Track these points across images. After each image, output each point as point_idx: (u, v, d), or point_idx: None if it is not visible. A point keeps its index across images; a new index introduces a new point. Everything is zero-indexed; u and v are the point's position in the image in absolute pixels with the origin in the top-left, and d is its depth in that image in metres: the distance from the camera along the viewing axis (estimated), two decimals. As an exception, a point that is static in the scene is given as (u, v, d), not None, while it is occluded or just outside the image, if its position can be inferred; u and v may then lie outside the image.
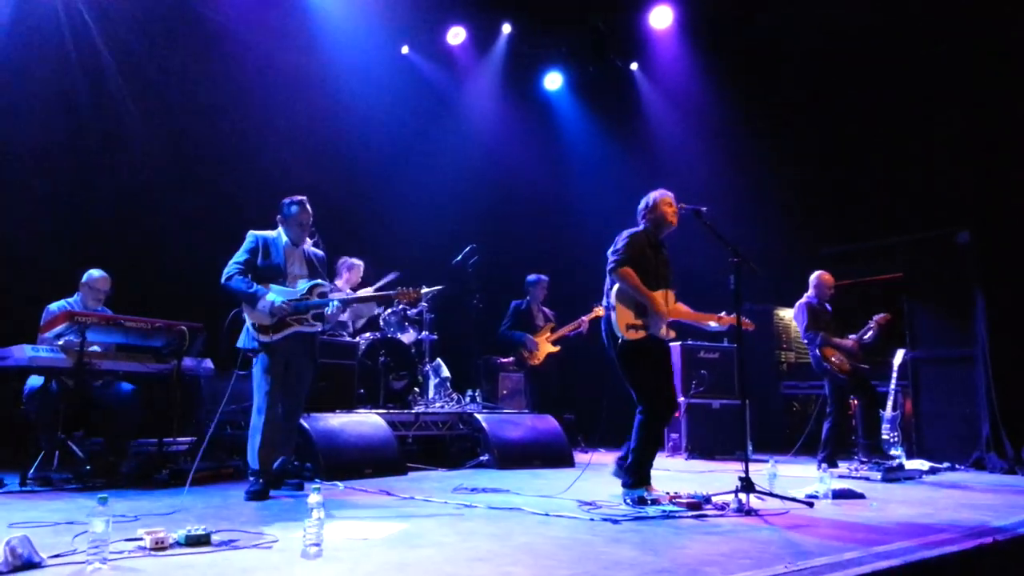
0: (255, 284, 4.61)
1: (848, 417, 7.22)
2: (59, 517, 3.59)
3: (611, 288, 4.53)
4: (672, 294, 4.65)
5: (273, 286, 4.67)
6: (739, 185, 9.18)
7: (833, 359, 6.59)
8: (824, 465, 6.38)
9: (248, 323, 4.64)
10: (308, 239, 4.96)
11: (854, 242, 8.99)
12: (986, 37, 7.40)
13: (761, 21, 8.47)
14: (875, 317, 6.76)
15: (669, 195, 4.74)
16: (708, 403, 8.03)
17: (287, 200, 4.82)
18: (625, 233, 4.64)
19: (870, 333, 6.68)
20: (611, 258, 4.54)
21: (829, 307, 6.88)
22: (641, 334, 4.46)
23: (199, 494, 4.53)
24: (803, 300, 6.86)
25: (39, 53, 6.72)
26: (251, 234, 4.81)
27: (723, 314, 4.78)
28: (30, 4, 6.65)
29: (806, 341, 6.78)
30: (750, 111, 9.13)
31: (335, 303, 4.69)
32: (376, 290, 6.75)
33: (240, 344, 4.68)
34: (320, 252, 5.07)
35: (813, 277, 6.89)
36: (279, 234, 4.86)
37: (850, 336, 6.72)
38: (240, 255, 4.74)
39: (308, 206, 4.83)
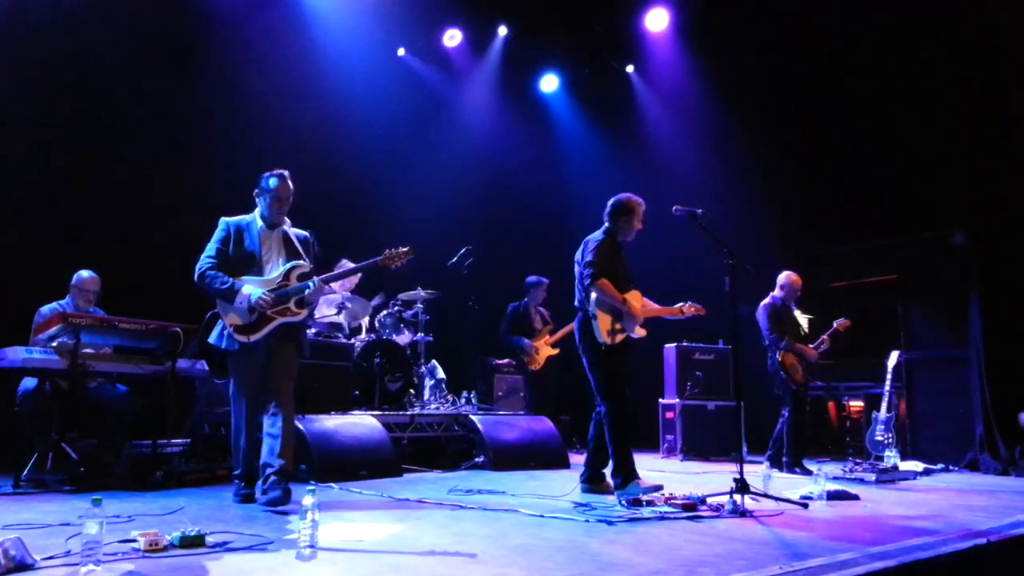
0: (230, 279, 4.19)
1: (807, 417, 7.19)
2: (53, 519, 3.57)
3: (587, 297, 4.68)
4: (638, 293, 4.82)
5: (247, 277, 4.23)
6: (734, 186, 9.21)
7: (790, 367, 6.50)
8: (796, 468, 6.36)
9: (225, 323, 4.24)
10: (288, 219, 4.47)
11: (849, 243, 9.02)
12: (982, 38, 7.43)
13: (757, 23, 8.49)
14: (835, 322, 6.75)
15: (643, 207, 4.88)
16: (703, 404, 8.04)
17: (267, 173, 4.36)
18: (592, 242, 4.80)
19: (823, 346, 6.67)
20: (585, 271, 4.69)
21: (794, 307, 6.84)
22: (621, 337, 4.67)
23: (193, 495, 4.52)
24: (767, 300, 6.75)
25: (35, 53, 6.70)
26: (222, 221, 4.36)
27: (680, 304, 5.03)
28: (25, 3, 6.63)
29: (767, 343, 6.65)
30: (745, 113, 9.15)
31: (314, 282, 4.24)
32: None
33: (213, 341, 4.31)
34: (303, 232, 4.56)
35: (782, 277, 6.80)
36: (254, 218, 4.40)
37: (810, 345, 6.68)
38: (211, 247, 4.29)
39: (289, 181, 4.35)
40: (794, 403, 6.53)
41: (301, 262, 4.35)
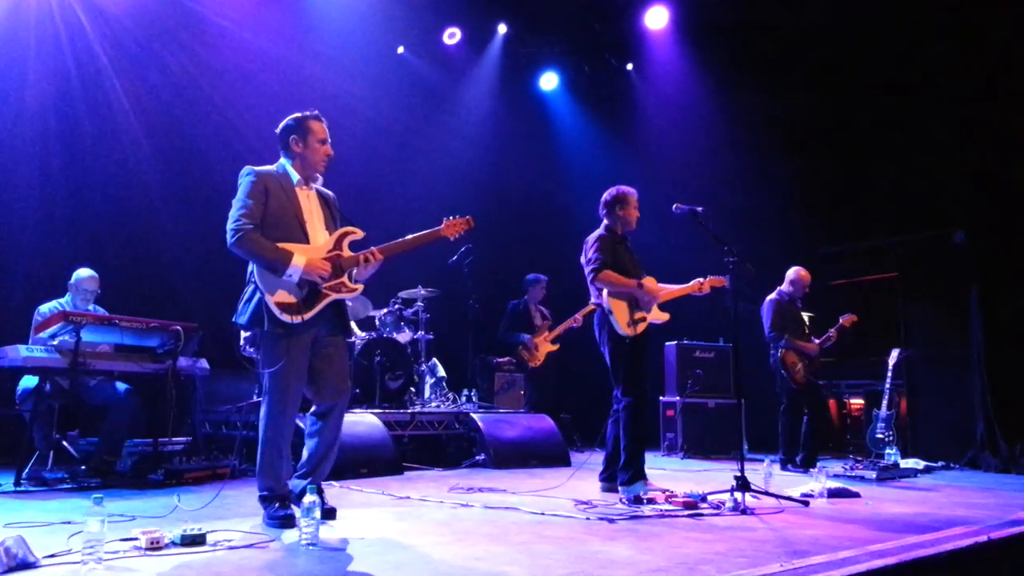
0: (275, 244, 3.44)
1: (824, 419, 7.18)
2: (54, 517, 3.58)
3: (599, 292, 4.69)
4: (653, 279, 4.81)
5: (291, 244, 3.49)
6: (735, 185, 9.19)
7: (790, 365, 6.45)
8: (788, 466, 6.35)
9: (262, 300, 3.41)
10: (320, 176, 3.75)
11: (851, 242, 9.02)
12: (982, 37, 7.42)
13: (757, 21, 8.48)
14: (841, 318, 6.73)
15: (636, 196, 4.89)
16: (704, 402, 8.03)
17: (301, 113, 3.72)
18: (592, 239, 4.83)
19: (829, 342, 6.64)
20: (589, 267, 4.71)
21: (800, 304, 6.81)
22: (643, 326, 4.65)
23: (195, 494, 4.51)
24: (772, 296, 6.71)
25: (34, 52, 6.69)
26: (249, 171, 3.58)
27: (698, 280, 4.99)
28: (25, 3, 6.62)
29: (769, 339, 6.59)
30: (746, 111, 9.14)
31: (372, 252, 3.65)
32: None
33: (244, 321, 3.50)
34: (329, 192, 3.87)
35: (791, 272, 6.75)
36: (285, 169, 3.65)
37: (814, 339, 6.63)
38: (242, 203, 3.47)
39: (325, 123, 3.73)
40: (789, 401, 6.51)
41: (352, 228, 3.70)
